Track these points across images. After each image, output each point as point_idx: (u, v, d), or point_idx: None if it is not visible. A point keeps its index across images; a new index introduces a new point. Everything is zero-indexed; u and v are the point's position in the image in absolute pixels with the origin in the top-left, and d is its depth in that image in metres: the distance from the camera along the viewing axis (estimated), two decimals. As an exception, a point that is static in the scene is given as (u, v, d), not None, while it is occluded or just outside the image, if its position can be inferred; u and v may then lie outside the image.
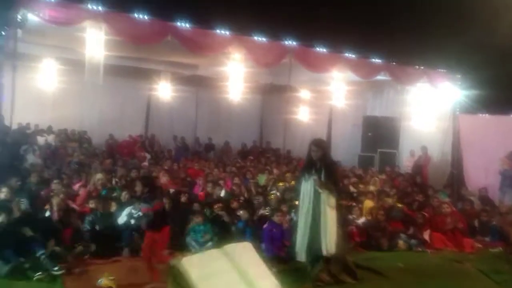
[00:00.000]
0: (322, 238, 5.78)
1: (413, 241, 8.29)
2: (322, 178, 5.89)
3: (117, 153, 13.56)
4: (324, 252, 5.79)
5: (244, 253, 2.70)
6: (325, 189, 5.86)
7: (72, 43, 10.29)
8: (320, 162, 5.97)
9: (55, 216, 6.88)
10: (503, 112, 13.13)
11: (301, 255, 5.94)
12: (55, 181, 8.53)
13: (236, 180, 10.53)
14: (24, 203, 7.21)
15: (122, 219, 7.35)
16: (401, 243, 8.17)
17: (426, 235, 8.54)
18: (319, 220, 5.82)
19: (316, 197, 5.88)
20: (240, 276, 2.50)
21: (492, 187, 11.66)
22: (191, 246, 7.15)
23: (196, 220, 7.44)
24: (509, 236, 8.69)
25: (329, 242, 5.78)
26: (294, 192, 7.38)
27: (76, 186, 8.78)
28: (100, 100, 15.04)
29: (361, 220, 8.59)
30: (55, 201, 7.03)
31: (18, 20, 8.84)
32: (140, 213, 7.26)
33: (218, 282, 2.41)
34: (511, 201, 10.54)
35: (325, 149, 6.10)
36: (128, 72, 14.45)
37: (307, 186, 6.00)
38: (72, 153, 12.38)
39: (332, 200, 5.89)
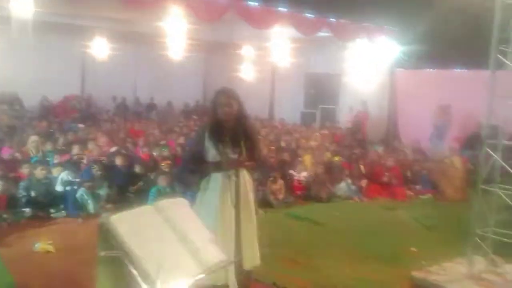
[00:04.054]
0: (245, 246, 3.81)
1: (353, 187, 8.77)
2: (243, 152, 3.80)
3: (52, 115, 12.95)
4: (248, 266, 3.86)
5: (178, 208, 2.67)
6: (257, 171, 4.08)
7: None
8: (234, 124, 3.83)
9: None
10: (438, 66, 13.56)
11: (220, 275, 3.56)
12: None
13: (181, 140, 10.36)
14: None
15: (58, 184, 7.13)
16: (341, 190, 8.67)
17: (363, 184, 9.00)
18: (239, 220, 3.80)
19: (236, 184, 3.79)
20: (172, 230, 2.48)
21: (425, 139, 12.30)
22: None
23: (162, 183, 7.17)
24: (438, 184, 9.32)
25: (256, 250, 3.94)
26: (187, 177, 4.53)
27: (5, 151, 8.31)
28: (31, 59, 14.11)
29: (303, 174, 8.86)
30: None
31: None
32: (73, 178, 7.13)
33: (148, 237, 2.38)
34: (440, 152, 11.16)
35: (241, 103, 3.89)
36: (60, 29, 13.54)
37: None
38: (1, 116, 11.68)
39: (251, 187, 3.97)
